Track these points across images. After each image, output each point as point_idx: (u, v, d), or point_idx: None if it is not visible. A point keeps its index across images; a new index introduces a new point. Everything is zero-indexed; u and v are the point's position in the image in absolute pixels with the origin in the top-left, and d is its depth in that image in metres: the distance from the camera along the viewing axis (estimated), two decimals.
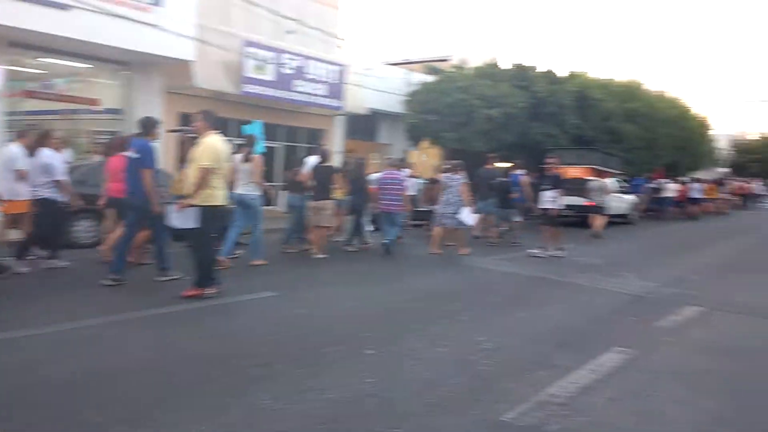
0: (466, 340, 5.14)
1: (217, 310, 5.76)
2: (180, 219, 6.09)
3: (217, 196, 6.01)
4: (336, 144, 17.56)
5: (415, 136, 19.38)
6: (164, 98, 13.18)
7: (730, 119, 73.13)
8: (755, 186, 36.93)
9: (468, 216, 9.97)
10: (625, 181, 19.38)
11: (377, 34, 51.09)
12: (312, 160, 9.39)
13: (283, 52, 14.82)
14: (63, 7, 9.66)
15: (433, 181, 11.96)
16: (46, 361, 4.19)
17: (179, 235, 6.55)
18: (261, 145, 9.56)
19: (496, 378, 4.28)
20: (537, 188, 11.05)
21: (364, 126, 19.54)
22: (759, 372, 4.87)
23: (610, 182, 15.98)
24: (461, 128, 17.19)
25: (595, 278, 8.50)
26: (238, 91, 13.95)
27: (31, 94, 11.57)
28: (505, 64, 20.17)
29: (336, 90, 16.15)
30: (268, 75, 14.41)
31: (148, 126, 6.63)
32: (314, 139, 17.29)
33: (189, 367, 4.22)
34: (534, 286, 7.91)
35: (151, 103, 12.88)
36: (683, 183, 22.92)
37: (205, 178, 5.85)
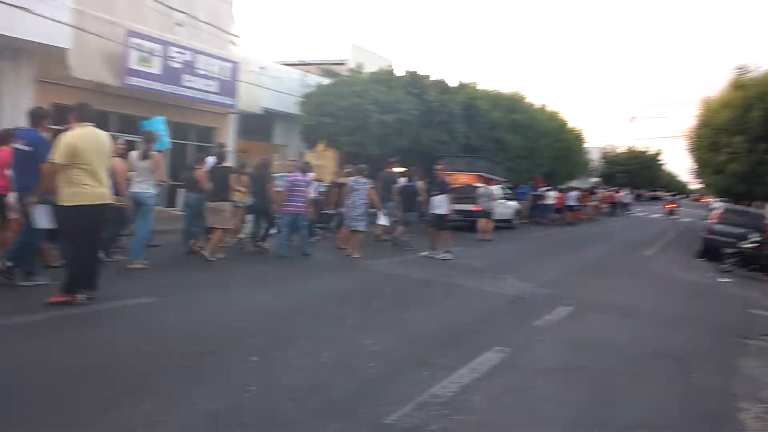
0: (352, 343, 5.17)
1: (88, 318, 5.34)
2: (42, 218, 5.64)
3: (86, 194, 5.43)
4: (229, 143, 17.02)
5: (310, 138, 19.27)
6: (35, 88, 12.10)
7: (601, 133, 79.75)
8: (623, 195, 40.87)
9: (383, 218, 10.91)
10: (509, 188, 20.66)
11: (273, 33, 50.31)
12: (210, 161, 9.34)
13: (172, 44, 14.13)
14: None
15: (338, 185, 12.15)
16: None
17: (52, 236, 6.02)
18: (165, 141, 9.15)
19: (381, 381, 4.33)
20: (428, 193, 11.52)
21: (258, 126, 19.11)
22: (622, 366, 5.33)
23: (495, 189, 16.99)
24: (356, 132, 17.31)
25: (478, 280, 8.90)
26: (120, 83, 13.11)
27: None
28: (400, 71, 20.62)
29: (229, 87, 15.65)
30: (155, 68, 13.67)
31: (39, 116, 6.22)
32: (206, 138, 16.66)
33: (51, 383, 3.85)
34: (421, 289, 8.12)
35: (19, 93, 11.79)
36: (561, 191, 24.85)
37: (51, 175, 5.37)
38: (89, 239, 5.65)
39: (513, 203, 19.92)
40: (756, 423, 4.25)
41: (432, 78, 20.63)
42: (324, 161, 20.09)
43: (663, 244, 19.65)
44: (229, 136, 17.09)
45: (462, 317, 6.55)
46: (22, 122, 11.15)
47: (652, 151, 64.91)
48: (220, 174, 8.88)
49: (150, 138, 7.98)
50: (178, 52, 14.22)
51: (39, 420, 3.30)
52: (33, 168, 5.79)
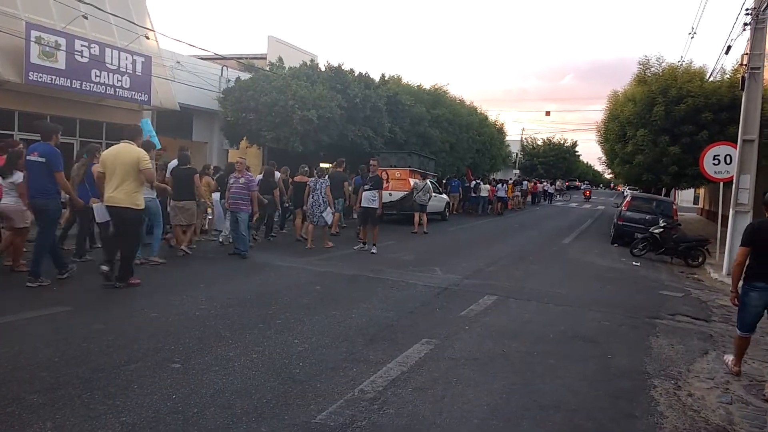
0: (279, 343, 5.07)
1: None
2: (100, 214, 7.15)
3: None
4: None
5: (232, 135, 18.76)
6: None
7: (520, 126, 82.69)
8: (545, 185, 43.25)
9: (329, 215, 11.37)
10: (438, 182, 21.39)
11: (187, 26, 48.53)
12: (172, 163, 10.11)
13: (77, 38, 13.33)
14: None
15: (295, 184, 12.83)
16: None
17: None
18: (156, 142, 10.19)
19: (310, 379, 4.27)
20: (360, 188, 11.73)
21: (176, 123, 18.39)
22: (542, 350, 5.52)
23: (428, 183, 17.52)
24: (279, 128, 17.01)
25: (407, 274, 8.98)
26: (21, 79, 12.23)
27: None
28: (322, 66, 20.40)
29: (141, 82, 14.95)
30: (58, 63, 12.84)
31: (50, 131, 6.94)
32: (118, 136, 15.82)
33: None
34: (350, 284, 8.09)
35: None
36: (491, 184, 26.19)
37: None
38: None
39: (444, 196, 20.83)
40: (667, 399, 4.52)
41: (356, 73, 20.58)
42: (247, 158, 19.61)
43: (580, 231, 20.63)
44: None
45: (391, 311, 6.58)
46: None
47: (568, 143, 68.05)
48: (183, 175, 9.52)
49: (148, 147, 7.66)
50: (84, 46, 13.43)
51: None
52: (46, 176, 6.69)
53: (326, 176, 11.80)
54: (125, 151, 6.76)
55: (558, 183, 48.77)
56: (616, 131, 21.76)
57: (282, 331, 5.46)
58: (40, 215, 6.83)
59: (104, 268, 6.79)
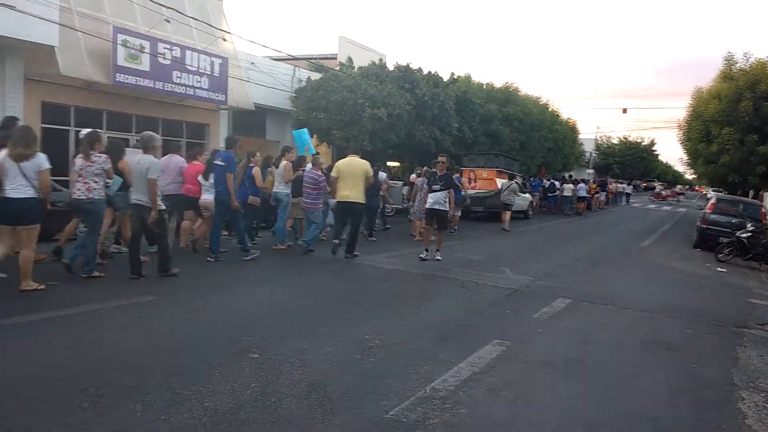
0: (351, 338, 5.13)
1: (87, 317, 5.28)
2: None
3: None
4: (221, 140, 16.94)
5: None
6: (24, 86, 11.96)
7: (595, 124, 79.75)
8: (623, 186, 41.97)
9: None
10: (523, 182, 21.71)
11: (263, 28, 49.96)
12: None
13: (160, 41, 14.00)
14: None
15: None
16: None
17: None
18: (306, 148, 12.08)
19: (381, 375, 4.30)
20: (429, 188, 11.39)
21: (251, 122, 18.99)
22: (620, 357, 5.32)
23: (514, 183, 18.24)
24: (348, 127, 17.23)
25: (476, 273, 8.87)
26: (109, 81, 12.98)
27: None
28: (391, 65, 20.50)
29: (219, 83, 15.53)
30: (143, 65, 13.54)
31: (232, 142, 8.87)
32: (198, 135, 16.53)
33: (50, 381, 3.80)
34: (420, 283, 8.08)
35: (7, 90, 11.64)
36: (574, 183, 26.03)
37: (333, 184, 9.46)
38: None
39: (528, 196, 21.48)
40: (756, 412, 4.25)
41: (424, 72, 20.55)
42: (288, 154, 19.99)
43: (660, 234, 19.73)
44: (221, 133, 16.99)
45: (460, 311, 6.52)
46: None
47: (646, 141, 65.19)
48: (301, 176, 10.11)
49: (286, 150, 10.44)
50: (167, 48, 14.09)
51: (33, 420, 3.24)
52: (226, 177, 8.31)
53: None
54: (355, 162, 9.28)
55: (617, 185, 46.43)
56: (700, 130, 20.65)
57: (354, 327, 5.52)
58: (223, 207, 8.50)
59: (336, 241, 9.26)
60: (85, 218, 6.87)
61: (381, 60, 20.90)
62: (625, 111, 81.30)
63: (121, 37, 12.97)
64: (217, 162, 8.52)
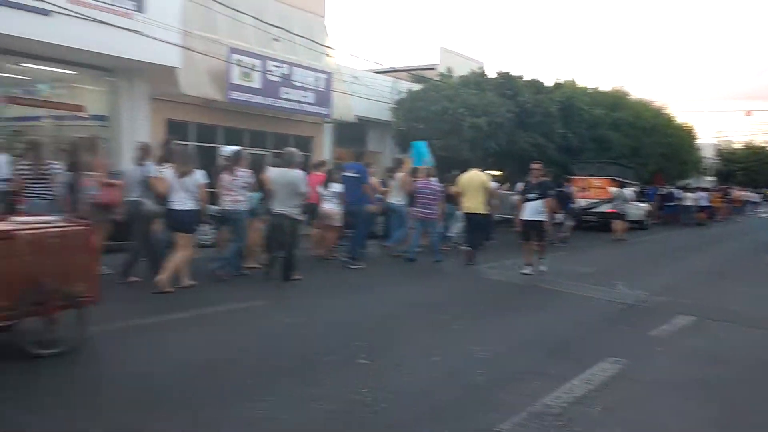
0: (458, 349, 5.07)
1: (206, 319, 5.64)
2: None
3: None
4: (325, 151, 17.49)
5: (403, 144, 19.35)
6: (150, 105, 13.03)
7: (714, 128, 73.98)
8: (749, 194, 38.75)
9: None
10: (641, 192, 20.68)
11: (363, 42, 51.23)
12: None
13: (270, 59, 14.74)
14: (44, 12, 9.49)
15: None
16: None
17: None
18: (425, 160, 12.06)
19: (490, 388, 4.21)
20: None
21: (352, 133, 19.47)
22: (751, 381, 4.85)
23: (627, 191, 17.63)
24: (448, 136, 17.17)
25: (587, 286, 8.47)
26: (224, 98, 13.84)
27: (13, 100, 11.31)
28: (491, 73, 20.24)
29: (323, 97, 16.09)
30: (255, 82, 14.31)
31: (361, 155, 9.71)
32: (303, 147, 17.17)
33: (179, 377, 4.12)
34: (526, 295, 7.87)
35: (137, 109, 12.72)
36: (693, 191, 24.51)
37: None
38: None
39: (644, 205, 20.50)
40: None
41: (525, 78, 20.08)
42: (405, 165, 20.13)
43: None
44: (325, 145, 17.54)
45: (571, 325, 6.26)
46: (141, 136, 12.17)
47: None
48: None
49: (401, 162, 10.97)
50: (276, 66, 14.80)
51: (164, 414, 3.50)
52: (358, 189, 8.90)
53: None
54: (475, 176, 9.91)
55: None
56: None
57: (459, 337, 5.47)
58: (354, 216, 9.08)
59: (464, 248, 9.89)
60: (232, 227, 7.62)
61: (480, 68, 20.68)
62: (749, 113, 74.89)
63: (235, 56, 13.79)
64: (350, 174, 9.02)
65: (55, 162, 6.96)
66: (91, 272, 4.58)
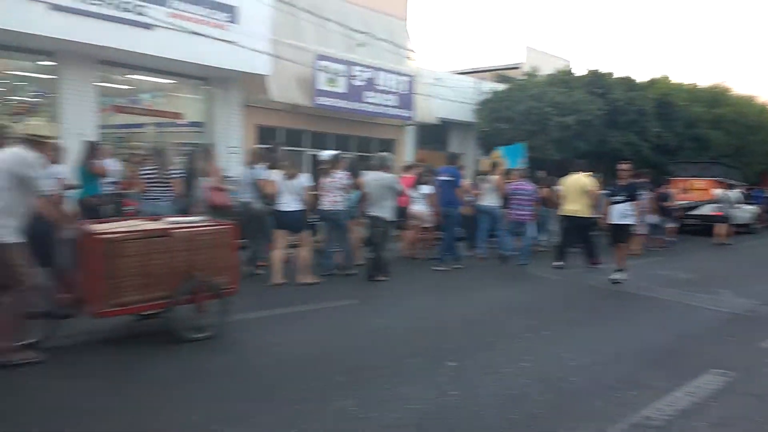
0: (549, 355, 4.92)
1: (301, 316, 5.81)
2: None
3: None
4: (407, 154, 17.57)
5: (486, 145, 19.08)
6: (242, 111, 13.62)
7: None
8: None
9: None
10: (747, 193, 19.34)
11: (446, 44, 50.93)
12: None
13: (354, 64, 14.99)
14: (146, 26, 10.17)
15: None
16: None
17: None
18: (519, 162, 12.00)
19: (584, 396, 4.05)
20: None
21: (434, 135, 19.44)
22: None
23: (733, 193, 16.57)
24: (534, 136, 16.74)
25: (685, 294, 7.97)
26: (311, 103, 14.22)
27: (120, 109, 12.20)
28: (580, 70, 19.54)
29: (406, 100, 16.17)
30: (340, 87, 14.60)
31: (454, 158, 9.59)
32: (386, 150, 17.36)
33: (275, 370, 4.27)
34: (619, 301, 7.51)
35: (230, 116, 13.35)
36: None
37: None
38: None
39: (751, 207, 19.13)
40: None
41: (616, 75, 19.23)
42: (499, 167, 19.80)
43: None
44: (408, 147, 17.63)
45: (671, 335, 5.90)
46: (233, 141, 12.72)
47: None
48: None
49: (495, 166, 10.82)
50: (360, 71, 15.04)
51: (258, 406, 3.63)
52: (451, 192, 8.95)
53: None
54: (577, 179, 9.56)
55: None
56: None
57: (550, 343, 5.30)
58: (446, 218, 9.08)
59: (556, 264, 9.58)
60: (331, 227, 7.99)
61: (567, 66, 20.03)
62: None
63: (321, 63, 14.15)
64: (444, 177, 9.05)
65: (175, 167, 7.61)
66: (232, 266, 5.12)
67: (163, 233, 4.70)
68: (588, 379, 4.38)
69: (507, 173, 10.77)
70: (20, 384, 3.87)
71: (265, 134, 14.46)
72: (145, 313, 4.94)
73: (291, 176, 7.22)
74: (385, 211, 7.87)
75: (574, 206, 9.43)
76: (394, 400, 3.75)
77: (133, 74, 12.05)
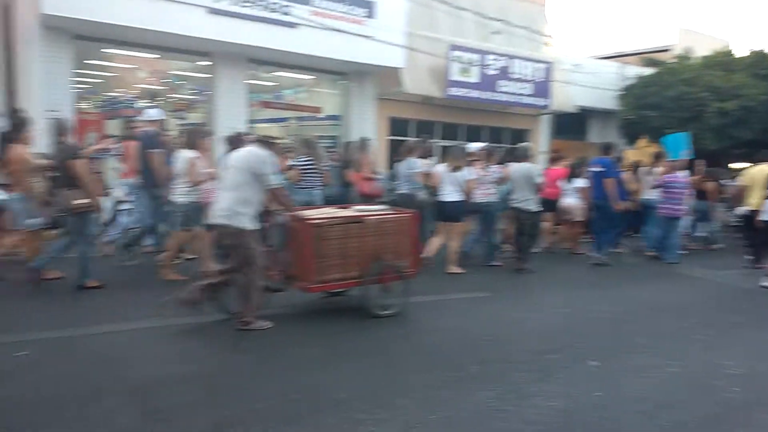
0: (704, 361, 4.51)
1: (435, 305, 5.84)
2: None
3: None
4: (542, 144, 16.96)
5: (630, 134, 17.83)
6: (375, 104, 13.95)
7: None
8: None
9: None
10: None
11: (587, 28, 48.20)
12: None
13: (488, 53, 14.69)
14: (291, 25, 10.75)
15: None
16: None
17: None
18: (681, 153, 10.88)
19: (749, 408, 3.68)
20: None
21: (571, 125, 18.54)
22: None
23: None
24: (687, 124, 15.29)
25: None
26: (443, 94, 14.18)
27: (266, 104, 13.05)
28: (741, 51, 17.54)
29: (542, 88, 15.55)
30: (473, 77, 14.39)
31: (608, 148, 9.02)
32: (518, 140, 16.88)
33: (413, 357, 4.35)
34: None
35: (364, 109, 13.74)
36: None
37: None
38: None
39: None
40: None
41: None
42: (643, 157, 18.42)
43: None
44: (542, 137, 17.01)
45: None
46: (367, 133, 13.07)
47: None
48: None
49: (659, 157, 9.95)
50: (494, 60, 14.70)
51: (400, 390, 3.69)
52: (609, 184, 8.42)
53: None
54: (763, 169, 8.76)
55: None
56: None
57: (704, 348, 4.85)
58: (599, 212, 8.67)
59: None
60: (483, 218, 8.12)
61: (726, 47, 18.05)
62: None
63: (454, 53, 14.05)
64: (595, 168, 8.73)
65: (328, 158, 8.17)
66: (413, 251, 5.59)
67: (358, 220, 5.23)
68: (752, 390, 3.96)
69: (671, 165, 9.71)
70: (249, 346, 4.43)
71: (397, 126, 14.69)
72: (336, 291, 5.55)
73: (456, 168, 7.46)
74: (528, 203, 7.79)
75: (759, 200, 8.47)
76: (533, 396, 3.64)
77: (278, 71, 12.82)
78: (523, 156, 8.08)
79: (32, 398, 3.37)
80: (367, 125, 13.66)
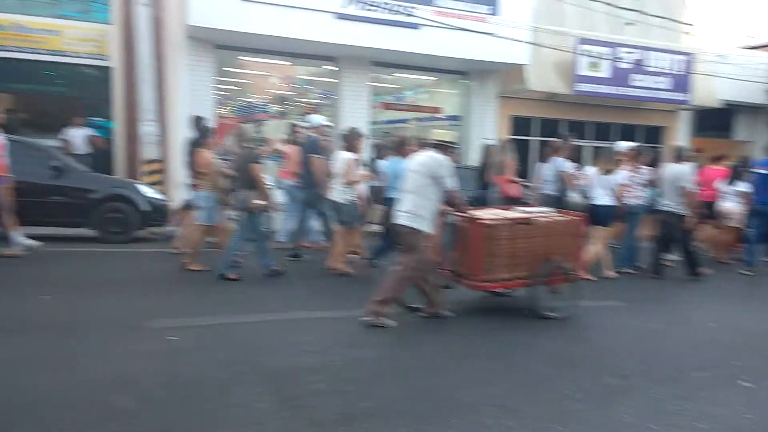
0: None
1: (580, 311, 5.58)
2: None
3: None
4: (681, 142, 15.70)
5: None
6: (497, 103, 13.67)
7: None
8: None
9: None
10: None
11: (733, 15, 43.98)
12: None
13: (620, 45, 13.84)
14: (414, 26, 10.82)
15: None
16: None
17: None
18: None
19: None
20: None
21: (715, 121, 16.97)
22: None
23: None
24: None
25: None
26: (570, 90, 13.58)
27: (388, 106, 13.27)
28: None
29: (681, 82, 14.37)
30: (603, 71, 13.64)
31: None
32: (653, 138, 15.76)
33: (547, 364, 4.18)
34: None
35: (485, 108, 13.52)
36: None
37: None
38: None
39: None
40: None
41: None
42: None
43: None
44: (680, 135, 15.73)
45: None
46: (488, 133, 12.85)
47: None
48: None
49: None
50: (627, 53, 13.83)
51: (526, 396, 3.56)
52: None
53: None
54: None
55: None
56: None
57: None
58: (759, 217, 8.13)
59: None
60: (627, 221, 7.80)
61: None
62: None
63: (583, 47, 13.40)
64: (761, 170, 8.20)
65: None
66: (580, 254, 5.56)
67: (526, 221, 5.24)
68: None
69: None
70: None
71: (519, 125, 14.31)
72: (502, 291, 5.56)
73: (608, 171, 7.30)
74: (675, 204, 7.41)
75: None
76: (675, 415, 3.35)
77: (400, 73, 12.98)
78: (678, 157, 7.70)
79: (183, 379, 3.66)
80: (488, 124, 13.44)
